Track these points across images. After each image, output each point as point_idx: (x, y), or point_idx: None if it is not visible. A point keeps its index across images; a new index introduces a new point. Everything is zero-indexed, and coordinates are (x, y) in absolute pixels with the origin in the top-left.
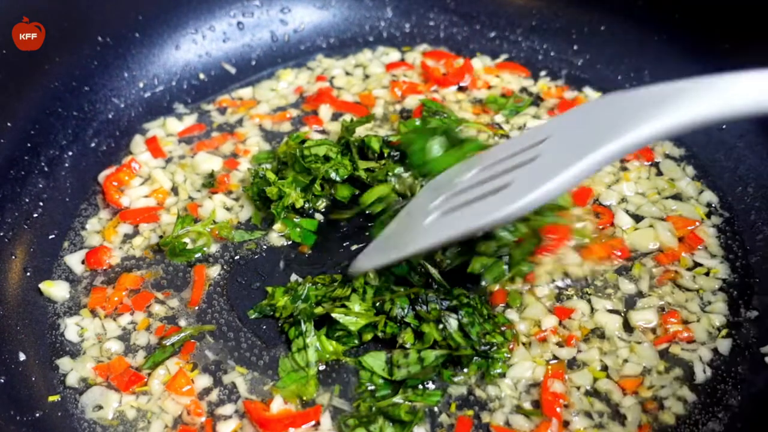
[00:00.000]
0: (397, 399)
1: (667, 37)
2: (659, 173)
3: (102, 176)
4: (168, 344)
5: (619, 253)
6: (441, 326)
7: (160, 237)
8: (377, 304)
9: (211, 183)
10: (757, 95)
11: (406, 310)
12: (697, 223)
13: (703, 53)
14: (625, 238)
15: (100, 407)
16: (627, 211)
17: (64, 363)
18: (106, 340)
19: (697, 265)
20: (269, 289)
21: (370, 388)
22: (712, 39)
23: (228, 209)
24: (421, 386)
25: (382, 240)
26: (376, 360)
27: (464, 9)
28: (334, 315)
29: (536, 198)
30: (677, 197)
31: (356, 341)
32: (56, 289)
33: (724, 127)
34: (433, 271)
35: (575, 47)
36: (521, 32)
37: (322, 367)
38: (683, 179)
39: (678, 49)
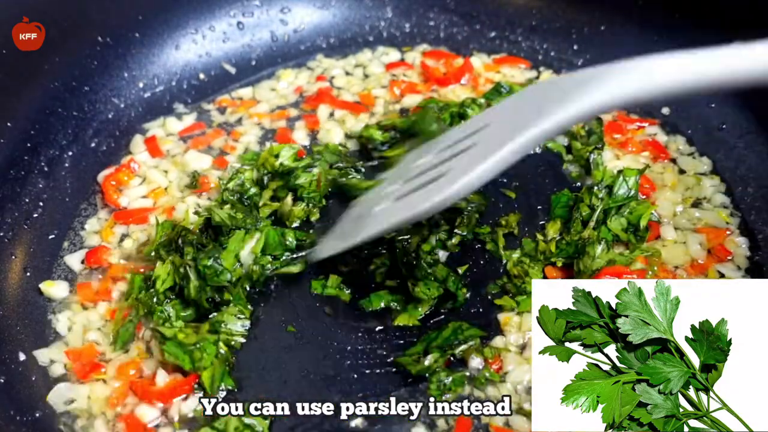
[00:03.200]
0: None
1: (667, 37)
2: (682, 171)
3: (101, 176)
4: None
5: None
6: None
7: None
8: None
9: (194, 184)
10: (672, 76)
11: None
12: (728, 233)
13: None
14: (663, 253)
15: (72, 401)
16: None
17: (43, 354)
18: (88, 331)
19: (721, 275)
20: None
21: None
22: (712, 39)
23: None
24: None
25: (340, 227)
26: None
27: (464, 9)
28: None
29: (462, 186)
30: (698, 204)
31: None
32: (56, 289)
33: (724, 126)
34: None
35: (575, 47)
36: (521, 32)
37: None
38: (706, 178)
39: (678, 49)
